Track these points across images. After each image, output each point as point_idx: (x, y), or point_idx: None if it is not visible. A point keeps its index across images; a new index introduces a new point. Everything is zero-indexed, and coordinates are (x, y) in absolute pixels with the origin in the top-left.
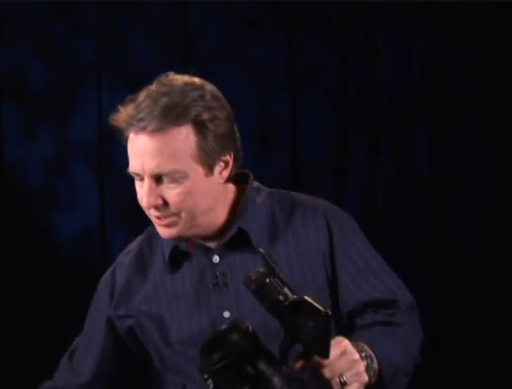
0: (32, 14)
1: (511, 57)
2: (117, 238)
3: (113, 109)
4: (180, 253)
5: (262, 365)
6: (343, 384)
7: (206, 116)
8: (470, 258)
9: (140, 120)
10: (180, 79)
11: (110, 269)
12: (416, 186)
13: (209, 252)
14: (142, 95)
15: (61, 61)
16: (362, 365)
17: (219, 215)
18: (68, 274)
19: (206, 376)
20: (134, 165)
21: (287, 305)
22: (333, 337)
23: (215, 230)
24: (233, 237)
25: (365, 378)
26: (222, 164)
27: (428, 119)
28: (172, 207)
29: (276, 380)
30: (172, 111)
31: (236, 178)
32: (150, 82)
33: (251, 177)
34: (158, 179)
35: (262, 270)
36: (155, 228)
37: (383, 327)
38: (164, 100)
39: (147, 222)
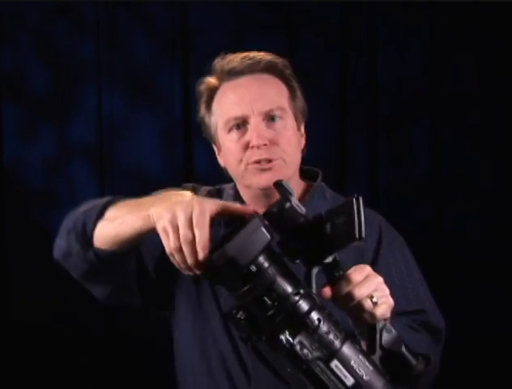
0: (32, 14)
1: (511, 57)
2: None
3: (113, 108)
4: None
5: (289, 288)
6: (375, 304)
7: (294, 81)
8: (470, 258)
9: (239, 65)
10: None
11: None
12: (416, 186)
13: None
14: (226, 56)
15: (61, 61)
16: (387, 288)
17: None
18: (68, 274)
19: (235, 310)
20: (239, 108)
21: (310, 221)
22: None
23: None
24: None
25: (391, 301)
26: (303, 132)
27: (429, 119)
28: (280, 147)
29: (305, 302)
30: (262, 62)
31: (305, 174)
32: (150, 82)
33: (320, 173)
34: (266, 118)
35: (280, 198)
36: (221, 189)
37: (407, 327)
38: (251, 55)
39: None
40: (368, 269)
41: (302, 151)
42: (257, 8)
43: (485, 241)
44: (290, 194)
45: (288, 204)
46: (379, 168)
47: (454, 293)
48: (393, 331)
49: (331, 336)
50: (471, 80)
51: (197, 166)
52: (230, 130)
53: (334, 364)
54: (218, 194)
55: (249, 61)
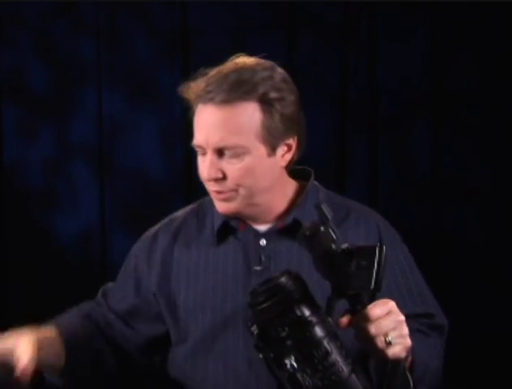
0: (32, 14)
1: (511, 56)
2: (116, 238)
3: (113, 108)
4: (229, 228)
5: (307, 312)
6: (388, 344)
7: (273, 95)
8: (470, 258)
9: (209, 92)
10: (252, 59)
11: (152, 230)
12: (416, 186)
13: (258, 235)
14: (213, 71)
15: (61, 61)
16: (407, 329)
17: (277, 202)
18: (68, 274)
19: (250, 323)
20: (199, 138)
21: (339, 252)
22: None
23: (269, 216)
24: (287, 226)
25: (409, 341)
26: (285, 148)
27: (429, 119)
28: (231, 182)
29: (320, 329)
30: (241, 86)
31: (297, 174)
32: (150, 82)
33: (313, 173)
34: (220, 153)
35: (316, 221)
36: (207, 201)
37: (415, 332)
38: (234, 76)
39: (147, 222)
40: (391, 305)
41: (290, 161)
42: (257, 8)
43: (485, 241)
44: (327, 218)
45: (322, 228)
46: (379, 168)
47: (454, 293)
48: (407, 374)
49: (336, 369)
50: (471, 80)
51: (197, 166)
52: (198, 152)
53: None
54: (197, 212)
55: (222, 88)
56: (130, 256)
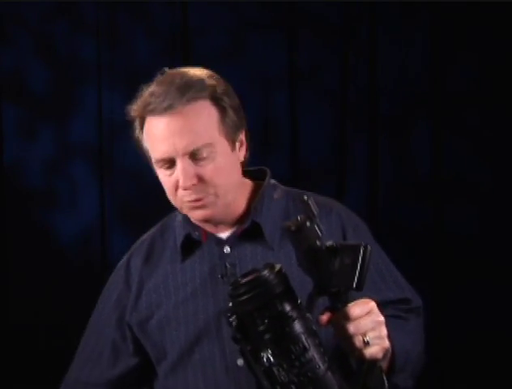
0: (32, 14)
1: (511, 56)
2: (116, 238)
3: (113, 108)
4: (192, 242)
5: (287, 307)
6: (366, 344)
7: (220, 90)
8: (470, 258)
9: (161, 102)
10: (180, 68)
11: (125, 258)
12: (416, 186)
13: (221, 243)
14: (152, 85)
15: (61, 61)
16: (385, 330)
17: (238, 203)
18: (68, 273)
19: (229, 314)
20: (164, 149)
21: (323, 249)
22: None
23: (232, 218)
24: (247, 229)
25: (387, 343)
26: (238, 144)
27: (428, 119)
28: (209, 184)
29: (299, 324)
30: (190, 87)
31: (254, 174)
32: (150, 81)
33: (269, 173)
34: (191, 157)
35: (303, 216)
36: (169, 218)
37: (393, 319)
38: (177, 81)
39: (147, 222)
40: (371, 305)
41: (244, 160)
42: (257, 8)
43: (485, 241)
44: (313, 214)
45: (307, 224)
46: (379, 168)
47: (454, 292)
48: (383, 375)
49: (312, 365)
50: (471, 80)
51: None
52: (161, 168)
53: None
54: (162, 231)
55: (171, 94)
56: (103, 297)
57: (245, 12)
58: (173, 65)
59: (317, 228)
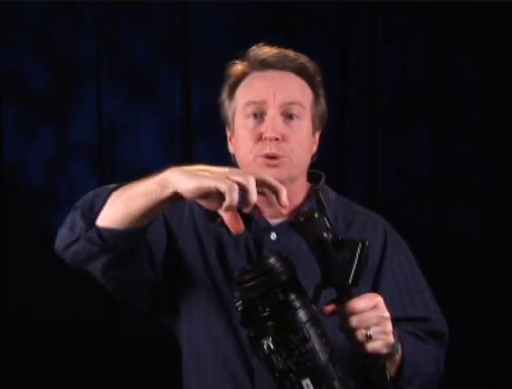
0: (32, 14)
1: (511, 56)
2: None
3: (113, 108)
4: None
5: (292, 296)
6: (368, 338)
7: (319, 80)
8: (470, 258)
9: (275, 55)
10: None
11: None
12: (416, 186)
13: (269, 228)
14: (266, 48)
15: (61, 61)
16: (390, 325)
17: (296, 193)
18: (68, 273)
19: (235, 299)
20: (262, 93)
21: (329, 241)
22: None
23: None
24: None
25: (391, 338)
26: (315, 138)
27: (428, 119)
28: (289, 147)
29: (302, 314)
30: (301, 67)
31: (308, 177)
32: (150, 82)
33: (323, 176)
34: (283, 114)
35: (313, 208)
36: None
37: (411, 336)
38: (293, 56)
39: None
40: (377, 300)
41: (312, 157)
42: (257, 8)
43: (485, 241)
44: (323, 206)
45: (316, 215)
46: (379, 168)
47: (454, 294)
48: (386, 370)
49: (312, 355)
50: (470, 80)
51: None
52: (247, 116)
53: (306, 383)
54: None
55: (283, 58)
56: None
57: (245, 12)
58: (173, 65)
59: (326, 220)
